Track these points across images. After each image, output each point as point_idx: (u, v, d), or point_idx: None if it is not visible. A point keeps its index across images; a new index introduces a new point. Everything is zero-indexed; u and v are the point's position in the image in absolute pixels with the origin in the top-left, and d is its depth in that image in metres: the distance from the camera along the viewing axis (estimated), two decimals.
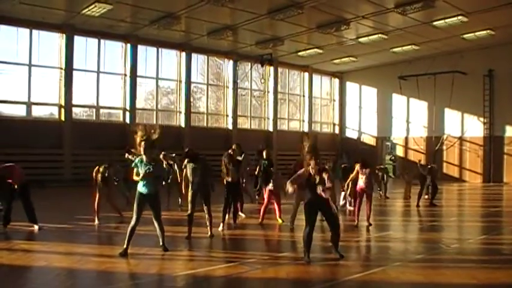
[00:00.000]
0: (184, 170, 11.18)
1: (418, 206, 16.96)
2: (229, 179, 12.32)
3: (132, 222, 8.91)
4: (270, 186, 13.37)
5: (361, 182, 13.04)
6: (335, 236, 8.97)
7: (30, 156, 21.23)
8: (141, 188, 8.98)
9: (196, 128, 28.21)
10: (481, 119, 29.37)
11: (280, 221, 12.95)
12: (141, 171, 8.90)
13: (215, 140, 27.40)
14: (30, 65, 22.47)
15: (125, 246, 8.77)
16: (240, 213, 13.85)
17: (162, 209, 9.44)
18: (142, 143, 8.85)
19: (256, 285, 7.58)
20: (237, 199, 13.01)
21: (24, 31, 22.33)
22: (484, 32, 24.42)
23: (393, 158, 33.41)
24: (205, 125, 29.53)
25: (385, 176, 20.15)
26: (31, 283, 7.21)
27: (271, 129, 32.38)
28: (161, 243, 9.26)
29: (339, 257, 8.80)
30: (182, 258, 9.14)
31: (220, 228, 11.79)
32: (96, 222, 12.34)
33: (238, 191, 12.86)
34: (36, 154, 21.62)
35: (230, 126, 30.21)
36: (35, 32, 22.55)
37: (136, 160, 9.09)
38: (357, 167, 13.29)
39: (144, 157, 8.94)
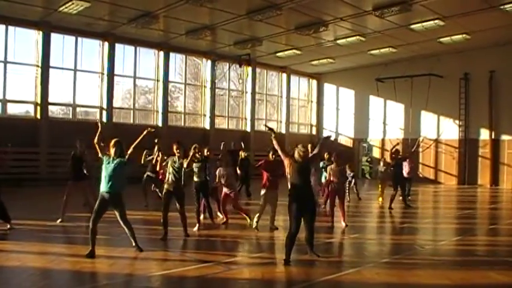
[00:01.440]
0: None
1: (390, 208, 16.85)
2: (196, 179, 12.36)
3: None
4: (226, 189, 12.88)
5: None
6: (310, 236, 8.99)
7: (5, 155, 20.99)
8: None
9: (173, 127, 28.08)
10: (457, 121, 29.70)
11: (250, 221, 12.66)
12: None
13: (192, 139, 27.02)
14: (5, 62, 22.16)
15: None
16: (218, 213, 13.82)
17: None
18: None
19: (231, 285, 7.58)
20: (208, 198, 12.85)
21: (0, 27, 22.03)
22: (460, 36, 24.68)
23: (369, 159, 33.60)
24: (182, 124, 29.42)
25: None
26: (4, 283, 7.13)
27: (248, 129, 32.39)
28: (134, 244, 9.23)
29: (317, 257, 8.89)
30: (157, 258, 9.12)
31: (196, 228, 11.75)
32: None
33: (206, 190, 12.71)
34: (11, 152, 21.35)
35: (208, 126, 30.15)
36: (11, 28, 22.26)
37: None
38: (332, 166, 13.40)
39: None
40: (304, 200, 8.75)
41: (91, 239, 8.64)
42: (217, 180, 12.92)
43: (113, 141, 9.15)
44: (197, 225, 11.91)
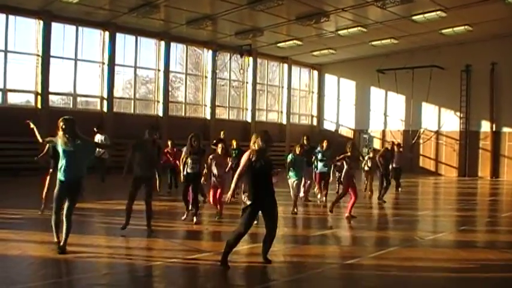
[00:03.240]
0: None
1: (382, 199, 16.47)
2: (190, 170, 11.64)
3: None
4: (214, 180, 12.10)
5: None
6: (269, 239, 8.01)
7: (5, 144, 21.03)
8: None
9: (174, 117, 28.04)
10: (458, 113, 29.69)
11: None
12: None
13: (193, 129, 26.84)
14: (6, 51, 22.07)
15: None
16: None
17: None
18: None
19: (231, 274, 7.55)
20: (197, 192, 12.08)
21: (0, 16, 21.95)
22: (462, 27, 24.62)
23: (370, 150, 33.57)
24: (183, 114, 29.37)
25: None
26: (4, 272, 7.13)
27: (249, 120, 32.36)
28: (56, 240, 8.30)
29: (265, 263, 7.95)
30: (157, 247, 9.13)
31: (184, 217, 11.54)
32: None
33: (198, 183, 11.90)
34: (11, 142, 21.34)
35: (208, 116, 30.10)
36: (11, 17, 22.15)
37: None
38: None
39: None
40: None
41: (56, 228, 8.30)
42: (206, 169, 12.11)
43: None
44: (185, 213, 11.67)
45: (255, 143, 7.87)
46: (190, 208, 11.80)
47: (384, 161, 17.03)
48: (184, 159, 11.87)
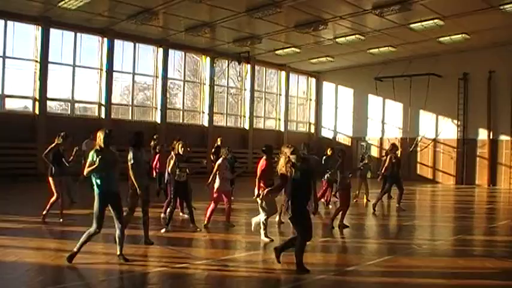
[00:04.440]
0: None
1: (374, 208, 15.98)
2: (180, 178, 11.37)
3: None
4: (218, 184, 11.96)
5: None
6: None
7: (3, 150, 21.01)
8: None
9: (172, 124, 28.03)
10: (455, 121, 29.72)
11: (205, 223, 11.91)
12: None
13: (191, 136, 27.18)
14: (4, 57, 22.06)
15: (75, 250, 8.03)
16: (181, 213, 13.17)
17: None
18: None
19: (228, 283, 7.56)
20: (189, 199, 11.73)
21: None
22: (460, 36, 24.69)
23: (364, 158, 33.55)
24: (181, 121, 29.38)
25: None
26: (1, 278, 7.12)
27: (247, 127, 32.36)
28: (119, 252, 8.35)
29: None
30: (154, 255, 9.11)
31: (163, 230, 11.09)
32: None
33: (188, 192, 11.64)
34: (9, 148, 21.34)
35: (206, 123, 30.11)
36: (10, 23, 22.18)
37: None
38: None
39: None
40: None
41: None
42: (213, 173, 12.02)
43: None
44: (165, 227, 11.20)
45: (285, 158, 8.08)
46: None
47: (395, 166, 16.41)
48: (171, 168, 11.67)
